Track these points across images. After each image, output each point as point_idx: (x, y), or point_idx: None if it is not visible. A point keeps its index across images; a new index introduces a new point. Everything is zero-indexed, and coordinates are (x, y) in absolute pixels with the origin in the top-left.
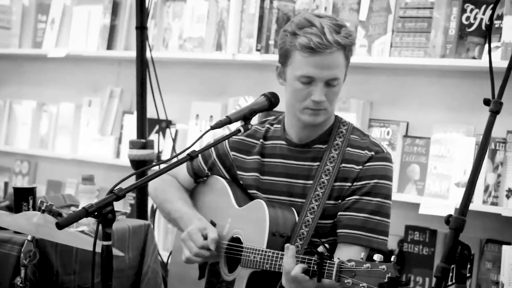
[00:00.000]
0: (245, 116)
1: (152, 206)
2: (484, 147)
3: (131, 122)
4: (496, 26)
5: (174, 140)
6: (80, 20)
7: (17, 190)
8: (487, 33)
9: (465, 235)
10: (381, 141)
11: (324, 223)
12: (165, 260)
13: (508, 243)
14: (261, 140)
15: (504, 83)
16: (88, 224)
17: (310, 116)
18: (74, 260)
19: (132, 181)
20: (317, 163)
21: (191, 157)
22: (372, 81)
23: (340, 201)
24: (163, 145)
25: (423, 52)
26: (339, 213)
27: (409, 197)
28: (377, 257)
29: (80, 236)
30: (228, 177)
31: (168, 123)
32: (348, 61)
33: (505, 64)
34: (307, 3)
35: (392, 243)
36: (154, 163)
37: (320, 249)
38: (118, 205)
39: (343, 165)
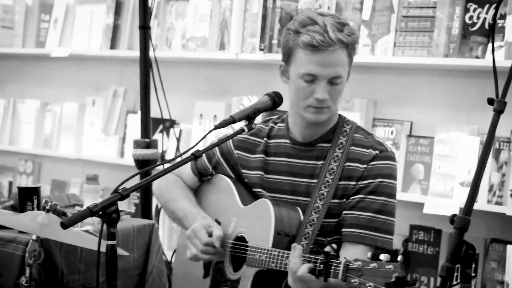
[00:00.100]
0: (249, 116)
1: (157, 206)
2: (488, 147)
3: (135, 122)
4: (499, 25)
5: (178, 139)
6: (83, 19)
7: (21, 189)
8: (490, 32)
9: (469, 234)
10: (385, 140)
11: (328, 222)
12: (169, 259)
13: None
14: (265, 139)
15: (507, 83)
16: (93, 223)
17: (313, 114)
18: (79, 259)
19: (136, 180)
20: (321, 162)
21: (195, 156)
22: (376, 81)
23: (344, 200)
24: (167, 144)
25: (426, 51)
26: (344, 212)
27: (414, 197)
28: (383, 256)
29: (85, 235)
30: (233, 175)
31: (172, 123)
32: (351, 59)
33: (508, 63)
34: (310, 2)
35: (396, 242)
36: (158, 163)
37: (327, 249)
38: (122, 205)
39: (348, 164)
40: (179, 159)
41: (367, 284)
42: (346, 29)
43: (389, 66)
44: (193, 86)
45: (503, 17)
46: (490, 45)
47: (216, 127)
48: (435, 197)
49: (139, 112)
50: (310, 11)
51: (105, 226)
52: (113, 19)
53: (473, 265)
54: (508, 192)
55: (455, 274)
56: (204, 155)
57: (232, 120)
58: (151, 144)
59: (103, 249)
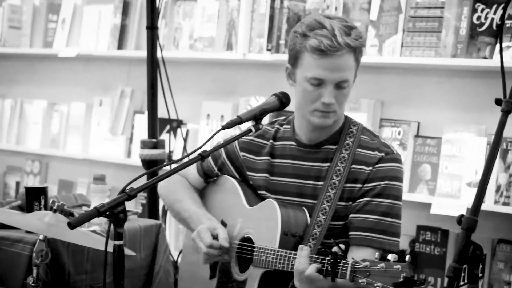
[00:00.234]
0: (256, 116)
1: (164, 206)
2: (495, 147)
3: (142, 122)
4: (507, 25)
5: (185, 140)
6: (91, 19)
7: (28, 189)
8: (498, 32)
9: (477, 235)
10: (392, 141)
11: (335, 224)
12: (176, 259)
13: None
14: (270, 141)
15: None
16: (100, 223)
17: (319, 118)
18: (86, 259)
19: (143, 181)
20: (328, 164)
21: (202, 157)
22: (383, 81)
23: (350, 202)
24: (174, 145)
25: (434, 52)
26: (350, 215)
27: (421, 197)
28: (391, 256)
29: (92, 235)
30: (238, 177)
31: (179, 123)
32: (358, 63)
33: None
34: (318, 2)
35: (403, 243)
36: (165, 163)
37: (335, 249)
38: (129, 205)
39: (354, 166)
40: (186, 160)
41: (375, 284)
42: (353, 33)
43: (397, 66)
44: (200, 86)
45: (511, 17)
46: (498, 45)
47: (223, 128)
48: (442, 198)
49: (146, 112)
50: (317, 13)
51: (112, 226)
52: (120, 19)
53: (480, 266)
54: None
55: (462, 274)
56: (209, 156)
57: (239, 121)
58: (158, 144)
59: (110, 249)
